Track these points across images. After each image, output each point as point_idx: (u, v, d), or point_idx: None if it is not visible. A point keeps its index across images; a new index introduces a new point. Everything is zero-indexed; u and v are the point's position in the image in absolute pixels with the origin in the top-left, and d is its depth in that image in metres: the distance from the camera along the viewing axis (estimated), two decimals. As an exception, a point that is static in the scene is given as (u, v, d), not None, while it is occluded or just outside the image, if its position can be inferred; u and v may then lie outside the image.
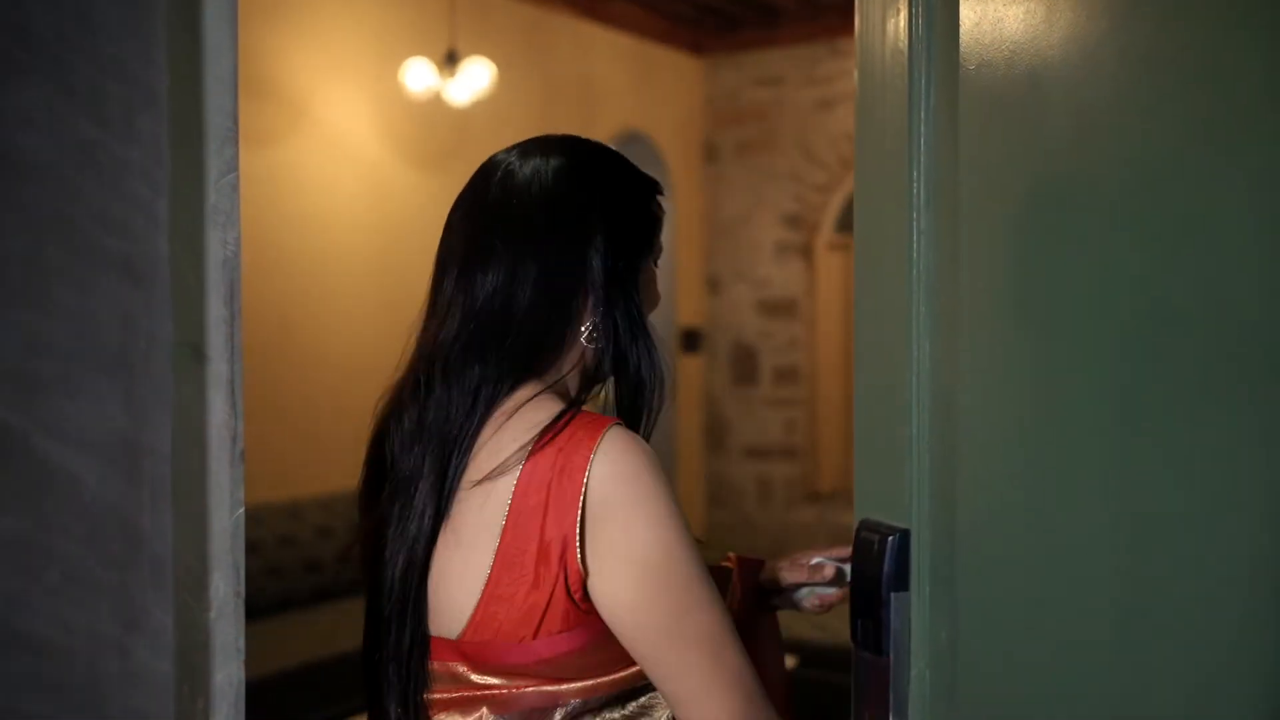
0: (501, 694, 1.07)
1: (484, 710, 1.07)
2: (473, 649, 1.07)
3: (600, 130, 6.37)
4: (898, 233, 0.92)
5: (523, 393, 1.10)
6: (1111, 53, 0.78)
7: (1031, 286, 0.83)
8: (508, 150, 1.20)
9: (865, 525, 0.95)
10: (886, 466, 0.93)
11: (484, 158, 1.21)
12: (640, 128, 6.69)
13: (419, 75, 4.85)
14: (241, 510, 0.70)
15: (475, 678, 1.07)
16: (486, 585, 1.05)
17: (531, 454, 1.04)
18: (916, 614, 0.90)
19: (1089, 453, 0.79)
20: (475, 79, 4.97)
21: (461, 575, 1.07)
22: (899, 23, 0.93)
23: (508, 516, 1.04)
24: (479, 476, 1.06)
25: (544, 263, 1.11)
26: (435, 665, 1.10)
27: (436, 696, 1.10)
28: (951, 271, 0.88)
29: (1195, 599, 0.72)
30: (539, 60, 5.88)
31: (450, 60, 4.98)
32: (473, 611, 1.06)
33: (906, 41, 0.92)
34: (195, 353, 0.69)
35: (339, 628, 4.09)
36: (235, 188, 0.72)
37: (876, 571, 0.91)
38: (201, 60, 0.69)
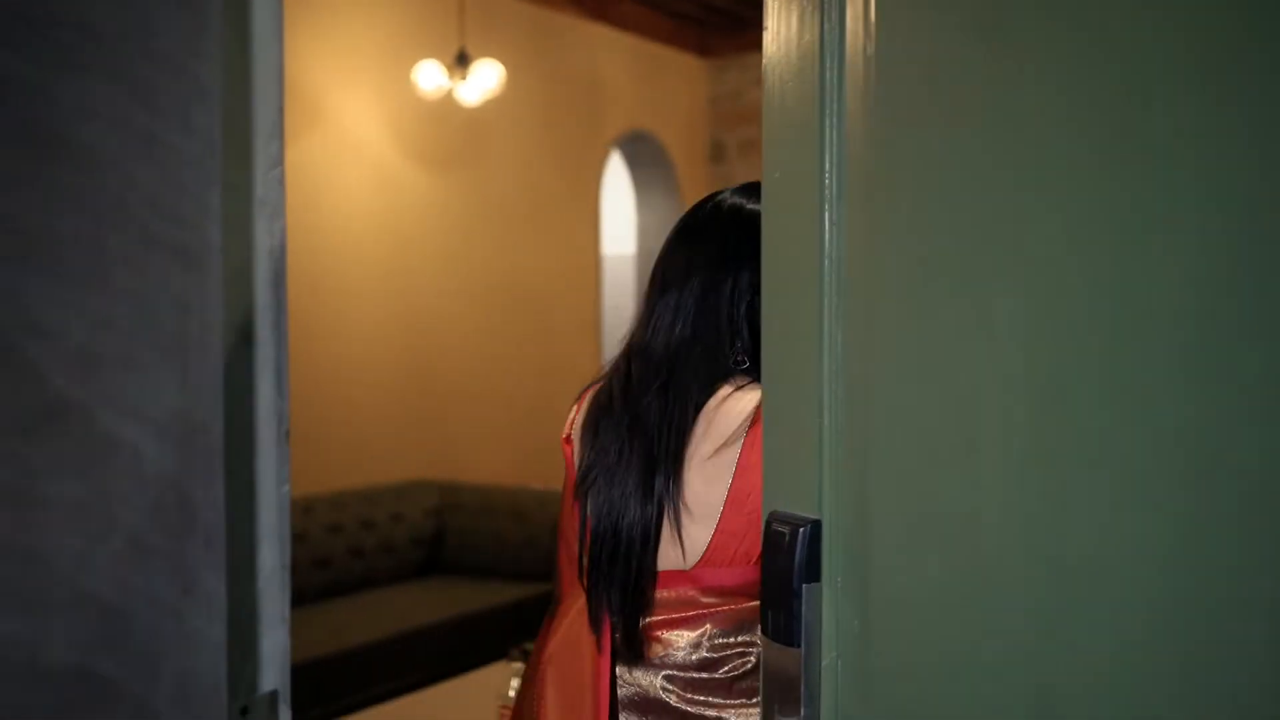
0: (723, 610, 1.36)
1: (708, 626, 1.37)
2: (704, 575, 1.37)
3: (607, 130, 6.40)
4: (808, 225, 0.88)
5: (723, 390, 1.38)
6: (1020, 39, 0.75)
7: (948, 274, 0.80)
8: (722, 191, 1.49)
9: (776, 518, 0.92)
10: (798, 458, 0.91)
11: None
12: (646, 127, 6.72)
13: (430, 76, 4.89)
14: (287, 486, 0.73)
15: (704, 599, 1.37)
16: (719, 522, 1.35)
17: (751, 425, 1.34)
18: (828, 604, 0.88)
19: (1005, 441, 0.76)
20: (485, 79, 5.01)
21: (699, 517, 1.36)
22: (810, 6, 0.89)
23: (736, 471, 1.35)
24: (711, 449, 1.36)
25: (705, 292, 1.39)
26: (666, 593, 1.38)
27: (664, 617, 1.38)
28: (865, 262, 0.85)
29: (1112, 587, 0.70)
30: (546, 61, 5.92)
31: (461, 61, 5.02)
32: (707, 545, 1.36)
33: (817, 26, 0.87)
34: (244, 336, 0.72)
35: (353, 621, 4.13)
36: (281, 181, 0.75)
37: (788, 563, 0.89)
38: (250, 55, 0.72)
